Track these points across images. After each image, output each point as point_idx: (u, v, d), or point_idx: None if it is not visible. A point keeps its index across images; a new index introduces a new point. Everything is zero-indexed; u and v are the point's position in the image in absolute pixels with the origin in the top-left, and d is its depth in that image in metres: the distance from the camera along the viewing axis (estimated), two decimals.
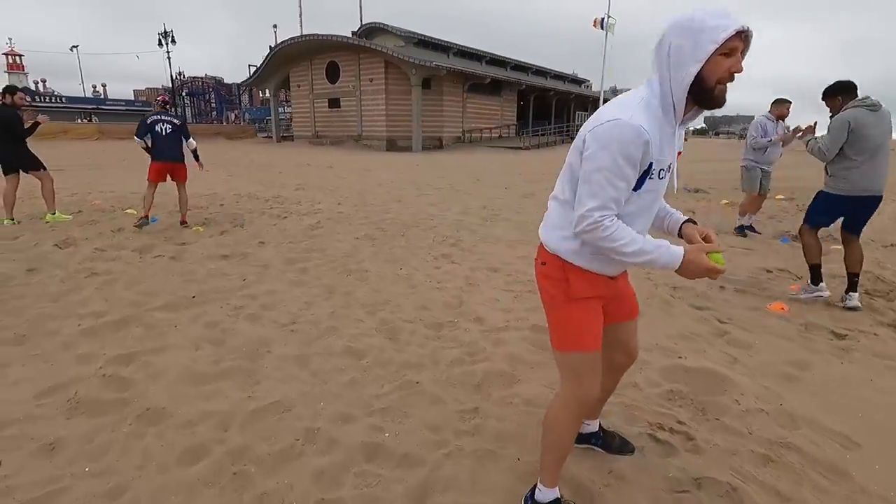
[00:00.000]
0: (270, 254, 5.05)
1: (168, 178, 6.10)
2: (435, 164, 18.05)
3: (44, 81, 67.63)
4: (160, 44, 35.96)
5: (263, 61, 32.54)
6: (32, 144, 6.38)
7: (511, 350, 2.93)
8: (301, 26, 44.44)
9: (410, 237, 5.89)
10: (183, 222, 6.20)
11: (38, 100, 44.58)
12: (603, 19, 38.66)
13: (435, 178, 12.93)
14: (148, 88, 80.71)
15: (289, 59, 31.39)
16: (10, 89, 6.08)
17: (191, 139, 6.17)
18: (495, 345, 3.02)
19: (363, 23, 32.49)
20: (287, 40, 29.85)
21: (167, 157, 5.98)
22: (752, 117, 6.72)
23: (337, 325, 3.26)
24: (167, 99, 6.45)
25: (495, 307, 3.65)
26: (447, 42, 32.41)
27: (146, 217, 5.96)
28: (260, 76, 33.54)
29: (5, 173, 6.20)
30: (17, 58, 53.36)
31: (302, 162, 17.62)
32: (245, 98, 64.26)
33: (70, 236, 5.47)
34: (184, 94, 55.47)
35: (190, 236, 5.73)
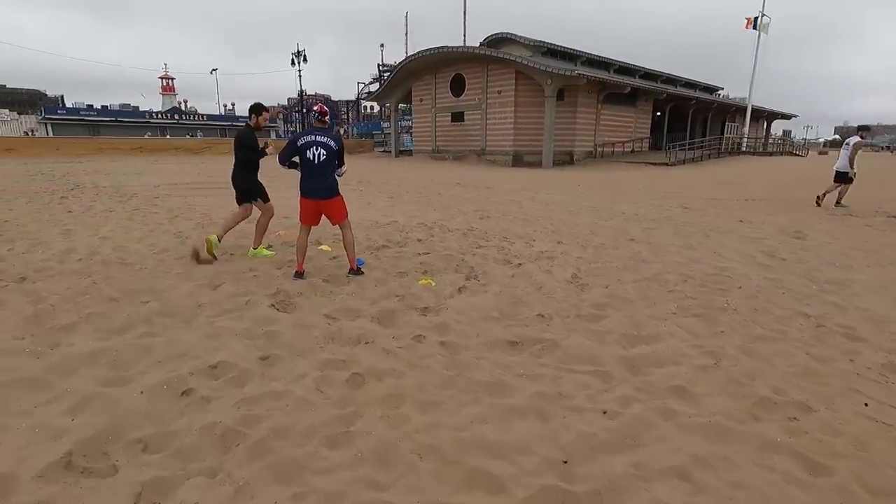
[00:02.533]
0: (575, 341, 3.29)
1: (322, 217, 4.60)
2: (595, 183, 15.84)
3: (185, 102, 75.89)
4: (293, 63, 37.75)
5: (389, 76, 32.64)
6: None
7: None
8: (406, 46, 44.42)
9: (746, 312, 3.86)
10: (352, 270, 4.68)
11: (186, 118, 49.25)
12: (756, 19, 34.12)
13: (623, 202, 10.77)
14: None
15: (413, 73, 31.06)
16: (256, 109, 5.09)
17: (343, 166, 4.54)
18: None
19: (489, 34, 31.24)
20: (415, 54, 29.48)
21: (320, 192, 4.38)
22: None
23: None
24: (325, 109, 4.50)
25: None
26: (575, 50, 30.18)
27: (301, 272, 4.53)
28: (383, 91, 33.71)
29: (243, 201, 5.35)
30: (170, 80, 59.95)
31: (450, 181, 16.30)
32: (352, 114, 66.82)
33: (281, 290, 4.17)
34: (303, 110, 58.59)
35: (427, 295, 4.19)
